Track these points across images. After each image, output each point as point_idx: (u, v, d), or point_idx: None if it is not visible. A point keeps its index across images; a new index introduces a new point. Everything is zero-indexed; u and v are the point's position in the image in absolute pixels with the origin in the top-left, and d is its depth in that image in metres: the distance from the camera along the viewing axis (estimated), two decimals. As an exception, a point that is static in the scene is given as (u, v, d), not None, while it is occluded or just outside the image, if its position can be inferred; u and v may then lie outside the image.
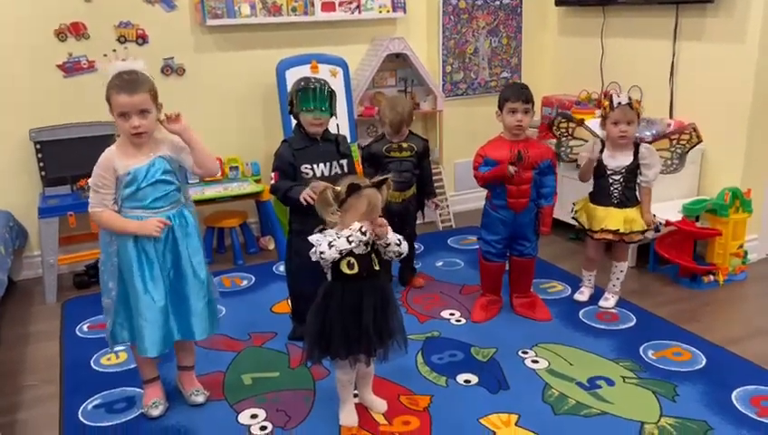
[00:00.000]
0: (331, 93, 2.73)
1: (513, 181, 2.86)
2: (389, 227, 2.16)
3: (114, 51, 3.64)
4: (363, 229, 2.07)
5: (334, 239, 2.06)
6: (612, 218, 2.98)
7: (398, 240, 2.18)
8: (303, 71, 3.83)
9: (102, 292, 2.33)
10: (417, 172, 3.31)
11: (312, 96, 2.66)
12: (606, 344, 2.82)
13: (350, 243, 2.06)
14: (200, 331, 2.35)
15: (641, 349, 2.77)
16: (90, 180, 2.23)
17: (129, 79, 2.15)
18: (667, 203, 3.51)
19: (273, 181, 2.77)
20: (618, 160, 2.98)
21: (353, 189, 2.09)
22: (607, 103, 2.96)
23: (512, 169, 2.81)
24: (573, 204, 3.21)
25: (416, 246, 3.58)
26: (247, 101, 4.07)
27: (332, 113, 2.76)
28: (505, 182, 2.88)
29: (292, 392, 2.53)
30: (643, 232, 3.02)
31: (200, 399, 2.47)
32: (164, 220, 2.22)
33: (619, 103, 2.91)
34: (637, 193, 3.03)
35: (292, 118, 2.84)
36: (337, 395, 2.36)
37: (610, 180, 2.99)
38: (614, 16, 4.12)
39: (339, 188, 2.11)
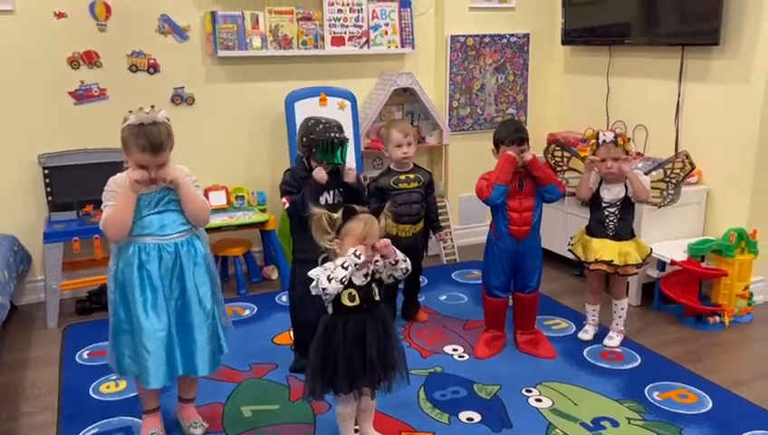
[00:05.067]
0: (346, 142, 2.76)
1: (519, 164, 2.85)
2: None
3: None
4: (357, 253, 2.05)
5: (331, 272, 2.04)
6: (607, 250, 2.98)
7: (404, 257, 2.17)
8: (312, 103, 3.88)
9: (112, 323, 2.30)
10: (425, 205, 3.30)
11: (333, 151, 2.70)
12: (611, 384, 2.79)
13: (345, 268, 2.04)
14: (203, 366, 2.30)
15: (646, 390, 2.74)
16: (103, 196, 2.22)
17: (155, 139, 2.13)
18: (672, 242, 3.50)
19: (286, 205, 2.78)
20: (612, 193, 3.00)
21: (348, 213, 2.10)
22: (593, 141, 3.00)
23: (523, 156, 2.81)
24: (570, 238, 3.21)
25: (420, 280, 3.56)
26: (255, 131, 4.11)
27: (343, 162, 2.80)
28: (513, 167, 2.85)
29: (292, 426, 2.50)
30: (638, 265, 3.01)
31: (198, 431, 2.43)
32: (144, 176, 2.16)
33: (604, 141, 2.94)
34: (632, 226, 3.05)
35: (298, 150, 2.86)
36: (338, 430, 2.32)
37: (606, 212, 3.01)
38: (620, 56, 4.17)
39: (335, 215, 2.11)
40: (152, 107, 2.17)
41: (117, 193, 2.19)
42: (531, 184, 2.91)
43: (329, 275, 2.04)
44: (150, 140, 2.13)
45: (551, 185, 2.92)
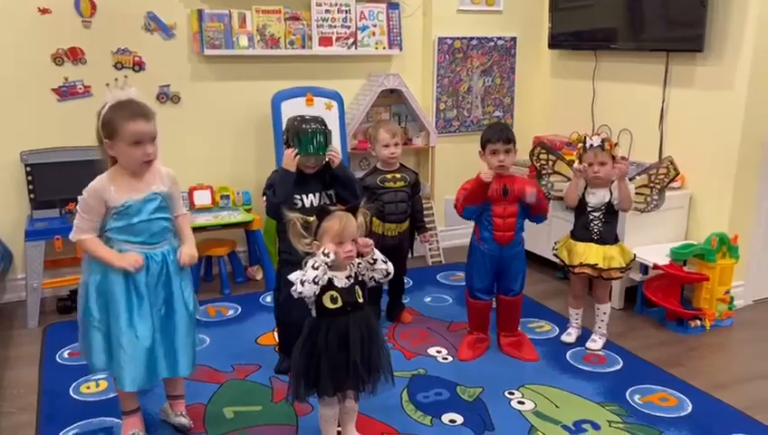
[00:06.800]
0: (328, 135, 2.74)
1: (488, 186, 2.85)
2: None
3: (116, 80, 3.64)
4: (326, 251, 2.05)
5: (304, 274, 2.04)
6: (592, 253, 3.00)
7: (385, 259, 2.17)
8: (299, 103, 3.87)
9: (81, 314, 2.28)
10: (411, 205, 3.31)
11: (310, 143, 2.68)
12: (592, 387, 2.80)
13: (315, 269, 2.04)
14: (184, 368, 2.32)
15: (628, 393, 2.76)
16: (77, 206, 2.20)
17: (140, 106, 2.13)
18: (655, 246, 3.53)
19: (265, 204, 2.77)
20: (597, 197, 3.02)
21: (323, 213, 2.11)
22: (581, 145, 3.02)
23: (487, 175, 2.81)
24: (555, 242, 3.23)
25: (405, 281, 3.56)
26: (241, 130, 4.09)
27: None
28: (484, 191, 2.86)
29: (274, 428, 2.49)
30: (622, 270, 3.03)
31: (185, 421, 2.43)
32: (141, 260, 2.17)
33: (591, 145, 2.95)
34: (617, 231, 3.07)
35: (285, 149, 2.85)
36: (320, 431, 2.32)
37: (590, 217, 3.03)
38: (606, 61, 4.20)
39: (310, 219, 2.12)
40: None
41: (94, 208, 2.15)
42: (515, 190, 2.91)
43: (302, 278, 2.04)
44: (139, 107, 2.12)
45: (540, 216, 2.97)
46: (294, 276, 2.06)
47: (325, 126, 2.75)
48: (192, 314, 2.33)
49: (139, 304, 2.20)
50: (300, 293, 2.04)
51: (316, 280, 2.03)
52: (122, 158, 2.16)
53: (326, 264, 2.05)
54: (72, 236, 2.20)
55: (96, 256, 2.19)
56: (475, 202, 2.90)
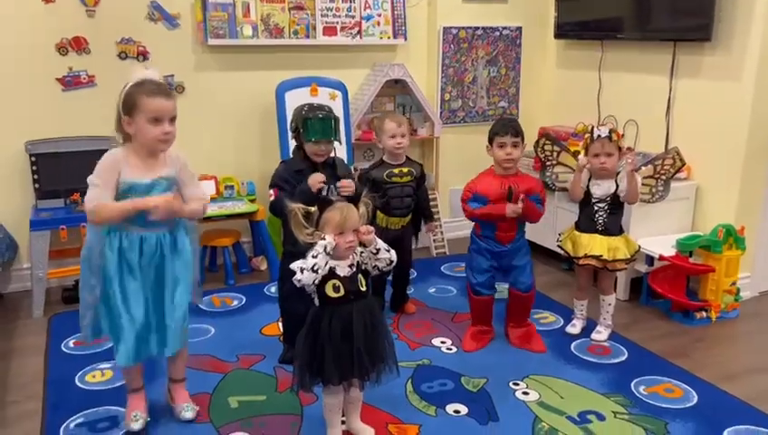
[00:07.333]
0: (336, 121, 2.73)
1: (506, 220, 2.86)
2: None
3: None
4: (326, 240, 2.05)
5: (304, 262, 2.05)
6: (596, 245, 2.99)
7: (387, 247, 2.17)
8: (303, 93, 3.85)
9: (83, 287, 2.27)
10: (415, 198, 3.29)
11: (319, 128, 2.66)
12: (597, 378, 2.80)
13: (314, 257, 2.04)
14: (171, 347, 2.30)
15: (633, 384, 2.75)
16: (89, 177, 2.15)
17: (162, 84, 2.15)
18: (660, 237, 3.51)
19: (272, 198, 2.76)
20: (602, 189, 3.00)
21: (324, 203, 2.13)
22: (587, 136, 3.00)
23: (511, 211, 2.80)
24: (559, 234, 3.22)
25: (409, 273, 3.55)
26: (245, 121, 4.08)
27: (338, 140, 2.77)
28: (500, 222, 2.88)
29: (278, 417, 2.49)
30: (627, 261, 3.02)
31: (190, 414, 2.43)
32: (167, 199, 2.15)
33: (599, 136, 2.93)
34: (621, 222, 3.05)
35: (291, 140, 2.84)
36: (324, 421, 2.32)
37: (595, 208, 3.01)
38: (612, 51, 4.17)
39: (311, 209, 2.12)
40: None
41: (109, 179, 2.12)
42: (519, 192, 2.88)
43: (301, 267, 2.04)
44: (160, 85, 2.14)
45: (534, 220, 2.97)
46: (295, 265, 2.07)
47: (332, 112, 2.75)
48: (185, 296, 2.29)
49: (131, 284, 2.20)
50: (299, 281, 2.05)
51: (315, 268, 2.04)
52: (140, 135, 2.15)
53: (325, 251, 2.05)
54: (88, 206, 2.12)
55: (113, 216, 2.11)
56: (489, 220, 2.89)
